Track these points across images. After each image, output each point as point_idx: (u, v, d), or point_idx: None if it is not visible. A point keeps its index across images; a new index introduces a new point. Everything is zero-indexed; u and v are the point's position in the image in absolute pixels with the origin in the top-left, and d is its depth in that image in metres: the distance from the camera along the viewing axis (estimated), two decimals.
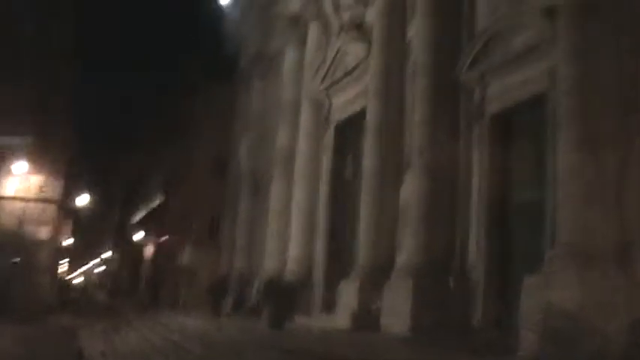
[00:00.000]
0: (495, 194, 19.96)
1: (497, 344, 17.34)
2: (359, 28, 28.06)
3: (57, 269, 60.24)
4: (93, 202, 70.23)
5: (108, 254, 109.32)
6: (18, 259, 43.56)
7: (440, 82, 21.58)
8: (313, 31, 32.98)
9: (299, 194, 31.53)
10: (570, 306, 14.30)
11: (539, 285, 15.40)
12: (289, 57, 35.48)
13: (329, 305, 26.53)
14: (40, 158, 45.71)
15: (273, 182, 34.70)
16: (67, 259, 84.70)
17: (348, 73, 29.09)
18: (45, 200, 47.37)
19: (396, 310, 20.44)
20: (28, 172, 45.58)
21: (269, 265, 33.02)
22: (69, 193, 54.07)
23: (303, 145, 32.14)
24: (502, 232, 19.84)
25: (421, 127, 21.71)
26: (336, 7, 30.24)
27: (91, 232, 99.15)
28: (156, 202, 75.72)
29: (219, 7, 45.93)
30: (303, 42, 34.14)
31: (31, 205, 45.91)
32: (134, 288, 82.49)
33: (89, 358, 23.56)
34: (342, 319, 23.31)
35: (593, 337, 13.95)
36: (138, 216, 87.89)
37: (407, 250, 21.45)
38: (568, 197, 15.41)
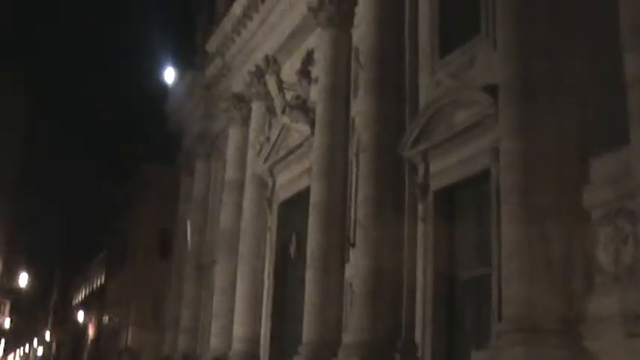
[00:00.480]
0: (441, 270, 19.94)
1: None
2: (303, 106, 28.18)
3: None
4: (32, 282, 69.27)
5: (49, 335, 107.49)
6: None
7: (384, 159, 21.65)
8: (257, 110, 33.05)
9: (243, 273, 31.25)
10: None
11: None
12: (233, 136, 35.51)
13: None
14: None
15: (217, 261, 34.46)
16: (4, 341, 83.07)
17: (291, 152, 29.15)
18: None
19: None
20: None
21: (214, 345, 32.65)
22: (8, 272, 53.32)
23: (247, 224, 31.97)
24: (448, 308, 19.79)
25: (365, 204, 21.74)
26: (280, 86, 30.40)
27: (30, 313, 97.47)
28: (99, 281, 74.89)
29: (163, 87, 46.08)
30: (246, 121, 34.23)
31: None
32: None
33: None
34: None
35: None
36: (79, 296, 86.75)
37: (353, 328, 21.30)
38: (513, 272, 15.42)
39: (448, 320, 19.76)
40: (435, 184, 20.44)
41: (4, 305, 58.53)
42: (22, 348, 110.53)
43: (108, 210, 70.73)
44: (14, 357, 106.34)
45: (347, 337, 21.86)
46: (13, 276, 58.18)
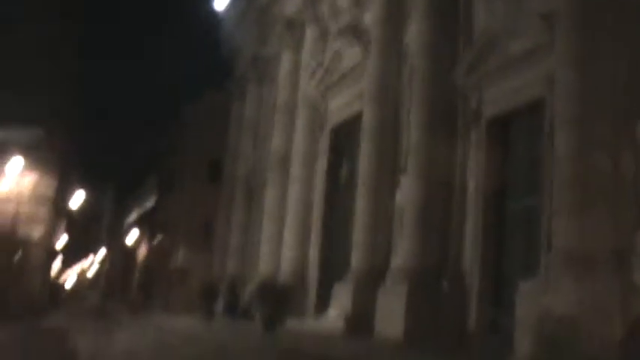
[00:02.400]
0: (491, 199, 19.86)
1: (491, 349, 17.28)
2: (356, 31, 27.94)
3: (49, 269, 59.85)
4: (87, 201, 69.94)
5: (101, 254, 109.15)
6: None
7: (437, 86, 21.48)
8: (310, 35, 32.85)
9: (294, 197, 31.37)
10: (566, 311, 14.24)
11: (536, 290, 15.34)
12: (285, 60, 35.35)
13: (322, 308, 26.41)
14: (35, 155, 45.13)
15: (267, 186, 34.58)
16: (60, 259, 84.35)
17: (344, 77, 28.95)
18: (38, 199, 46.93)
19: (390, 314, 20.36)
20: (23, 170, 44.98)
21: (263, 268, 32.90)
22: (63, 192, 53.80)
23: (298, 148, 32.01)
24: (497, 237, 19.73)
25: (418, 130, 21.63)
26: (333, 11, 30.14)
27: (84, 232, 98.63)
28: (150, 203, 75.55)
29: (214, 13, 45.84)
30: (299, 45, 34.03)
31: (25, 203, 45.23)
32: (127, 289, 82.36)
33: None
34: (335, 322, 23.18)
35: (589, 340, 13.89)
36: (132, 216, 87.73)
37: (402, 254, 21.34)
38: (564, 203, 15.32)
39: (497, 249, 19.73)
40: (487, 112, 20.24)
41: (60, 224, 59.24)
42: (75, 267, 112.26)
43: (163, 131, 71.09)
44: (68, 276, 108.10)
45: (395, 262, 21.91)
46: (68, 195, 58.71)
